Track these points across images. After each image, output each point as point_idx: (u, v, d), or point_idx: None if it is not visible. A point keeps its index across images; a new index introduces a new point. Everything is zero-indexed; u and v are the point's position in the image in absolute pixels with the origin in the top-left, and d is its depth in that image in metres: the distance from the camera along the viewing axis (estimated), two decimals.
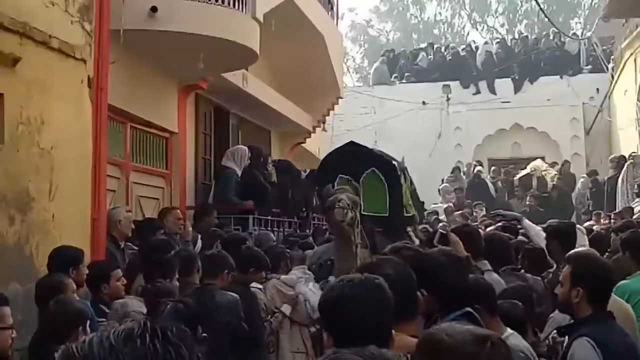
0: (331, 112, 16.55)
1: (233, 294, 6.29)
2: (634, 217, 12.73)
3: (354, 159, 7.65)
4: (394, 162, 8.04)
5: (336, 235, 6.60)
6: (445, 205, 17.75)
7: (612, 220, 12.83)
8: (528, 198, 18.12)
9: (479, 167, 20.63)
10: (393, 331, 2.65)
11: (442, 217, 16.06)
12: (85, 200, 7.71)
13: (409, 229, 7.87)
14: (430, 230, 9.05)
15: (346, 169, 7.42)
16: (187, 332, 1.44)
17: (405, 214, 7.74)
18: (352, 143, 8.42)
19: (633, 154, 17.34)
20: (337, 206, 6.00)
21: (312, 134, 15.94)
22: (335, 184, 7.29)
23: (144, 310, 5.06)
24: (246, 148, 11.02)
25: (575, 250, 5.05)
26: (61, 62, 7.36)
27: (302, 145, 15.98)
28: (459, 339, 2.34)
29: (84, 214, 7.65)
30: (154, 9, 8.36)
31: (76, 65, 7.61)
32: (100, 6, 7.98)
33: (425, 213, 14.15)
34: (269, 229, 10.72)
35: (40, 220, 6.96)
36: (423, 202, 15.85)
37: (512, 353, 2.50)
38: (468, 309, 3.45)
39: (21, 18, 6.73)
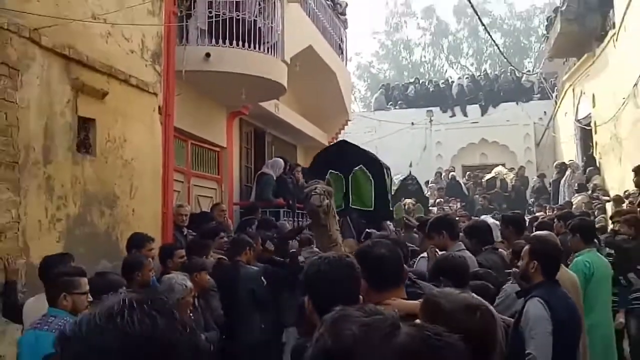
0: (342, 131, 16.54)
1: (254, 267, 6.20)
2: (573, 208, 12.71)
3: (344, 156, 7.07)
4: (380, 161, 7.44)
5: (313, 223, 5.94)
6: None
7: (555, 211, 12.80)
8: (480, 198, 18.21)
9: (452, 172, 20.65)
10: (361, 296, 2.56)
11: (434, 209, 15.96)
12: (157, 199, 7.78)
13: (388, 222, 7.41)
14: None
15: (336, 165, 6.86)
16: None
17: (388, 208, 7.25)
18: (343, 142, 7.90)
19: (570, 161, 17.37)
20: (314, 193, 5.42)
21: None
22: (326, 178, 6.69)
23: (188, 283, 4.93)
24: (282, 161, 11.02)
25: (536, 233, 5.02)
26: (138, 95, 7.42)
27: None
28: (455, 307, 2.27)
29: (156, 209, 7.72)
30: (207, 55, 8.42)
31: (149, 97, 7.67)
32: (167, 53, 8.05)
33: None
34: (294, 219, 10.69)
35: (123, 214, 7.02)
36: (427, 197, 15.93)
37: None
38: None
39: (108, 62, 6.80)
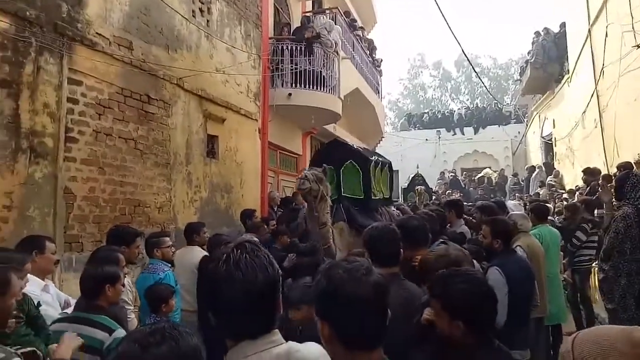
0: (378, 144, 16.36)
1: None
2: (540, 197, 12.25)
3: (337, 153, 5.79)
4: (370, 157, 5.95)
5: (307, 207, 4.88)
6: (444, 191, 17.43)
7: (527, 199, 12.34)
8: (479, 190, 17.67)
9: (451, 173, 20.26)
10: (402, 250, 2.41)
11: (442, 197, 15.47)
12: (257, 188, 7.92)
13: (383, 208, 6.05)
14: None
15: (331, 160, 5.59)
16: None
17: (374, 197, 5.79)
18: (335, 141, 6.44)
19: (538, 165, 16.74)
20: (299, 177, 4.45)
21: None
22: (324, 166, 5.32)
23: (254, 239, 4.43)
24: None
25: (493, 217, 4.43)
26: (245, 120, 7.58)
27: None
28: (448, 252, 2.46)
29: (257, 195, 7.85)
30: (289, 94, 8.48)
31: (252, 122, 7.82)
32: (264, 93, 8.19)
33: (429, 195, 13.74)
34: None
35: (236, 197, 7.18)
36: (432, 189, 15.34)
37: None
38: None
39: (226, 99, 6.97)
